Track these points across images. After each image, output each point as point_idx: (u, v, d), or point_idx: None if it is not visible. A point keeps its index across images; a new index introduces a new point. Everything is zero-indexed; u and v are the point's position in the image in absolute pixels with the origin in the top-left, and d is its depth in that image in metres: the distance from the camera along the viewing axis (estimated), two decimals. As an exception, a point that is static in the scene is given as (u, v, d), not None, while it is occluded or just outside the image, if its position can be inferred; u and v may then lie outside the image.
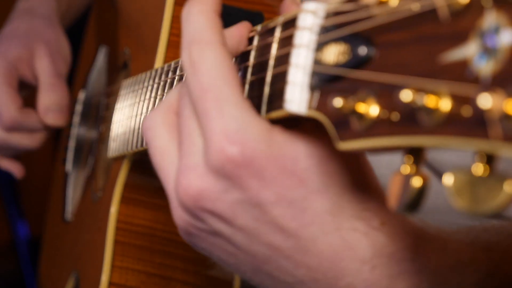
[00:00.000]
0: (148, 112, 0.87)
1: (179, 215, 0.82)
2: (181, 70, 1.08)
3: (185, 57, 0.78)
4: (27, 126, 1.61)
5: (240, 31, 0.85)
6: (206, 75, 0.76)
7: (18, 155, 1.71)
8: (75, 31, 1.92)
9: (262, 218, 0.77)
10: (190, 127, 0.79)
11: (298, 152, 0.77)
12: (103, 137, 1.57)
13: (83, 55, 1.91)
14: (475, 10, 0.61)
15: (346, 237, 0.77)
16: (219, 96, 0.75)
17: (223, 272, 1.37)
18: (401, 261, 0.79)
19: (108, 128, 1.47)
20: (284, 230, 0.77)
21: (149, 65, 1.31)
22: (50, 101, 1.59)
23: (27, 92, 1.69)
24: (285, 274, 0.80)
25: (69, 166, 1.79)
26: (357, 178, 0.80)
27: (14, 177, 1.70)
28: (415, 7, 0.65)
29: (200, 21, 0.79)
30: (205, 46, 0.77)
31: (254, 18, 1.28)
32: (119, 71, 1.57)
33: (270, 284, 0.82)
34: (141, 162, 1.35)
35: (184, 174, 0.77)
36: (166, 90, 1.13)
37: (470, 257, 0.81)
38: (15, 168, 1.72)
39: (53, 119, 1.59)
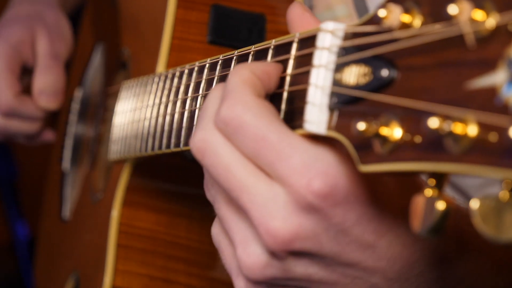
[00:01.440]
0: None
1: (261, 266, 0.80)
2: (189, 77, 1.07)
3: (218, 117, 0.77)
4: (23, 113, 1.60)
5: (274, 69, 0.82)
6: (251, 128, 0.75)
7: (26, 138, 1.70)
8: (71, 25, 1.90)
9: (345, 241, 0.77)
10: (246, 178, 0.78)
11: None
12: (102, 137, 1.56)
13: (78, 50, 1.89)
14: (502, 36, 0.60)
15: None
16: (277, 142, 0.75)
17: (226, 274, 1.37)
18: (462, 244, 0.82)
19: (107, 130, 1.46)
20: (363, 245, 0.78)
21: (151, 68, 1.30)
22: (45, 83, 1.58)
23: (29, 77, 1.68)
24: (359, 284, 0.81)
25: (66, 164, 1.78)
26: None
27: (15, 176, 1.69)
28: (440, 32, 0.64)
29: (231, 81, 0.79)
30: (234, 102, 0.77)
31: (256, 20, 1.27)
32: (117, 70, 1.55)
33: None
34: (143, 165, 1.34)
35: (268, 222, 0.76)
36: (171, 97, 1.12)
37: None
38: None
39: (46, 101, 1.58)
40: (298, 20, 0.82)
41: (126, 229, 1.34)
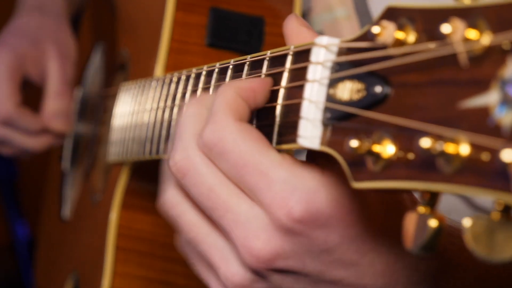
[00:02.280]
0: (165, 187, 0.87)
1: (242, 283, 0.81)
2: (194, 86, 1.07)
3: (201, 140, 0.78)
4: (21, 124, 1.60)
5: (260, 85, 0.83)
6: (232, 154, 0.77)
7: (23, 154, 1.69)
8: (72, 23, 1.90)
9: (328, 260, 0.79)
10: (230, 198, 0.79)
11: (347, 190, 0.78)
12: (101, 138, 1.56)
13: (78, 50, 1.89)
14: (495, 56, 0.60)
15: (397, 251, 0.81)
16: (259, 167, 0.76)
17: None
18: (445, 260, 0.83)
19: (106, 131, 1.46)
20: (346, 264, 0.80)
21: (150, 70, 1.30)
22: (58, 108, 1.59)
23: (27, 91, 1.68)
24: None
25: (66, 164, 1.78)
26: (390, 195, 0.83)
27: (14, 176, 1.69)
28: (433, 50, 0.64)
29: (216, 103, 0.79)
30: (217, 127, 0.78)
31: (255, 23, 1.27)
32: (116, 71, 1.55)
33: None
34: (141, 168, 1.34)
35: (249, 244, 0.77)
36: (169, 103, 1.12)
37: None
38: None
39: (59, 124, 1.60)
40: (294, 34, 0.82)
41: (124, 232, 1.35)
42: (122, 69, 1.51)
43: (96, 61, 1.72)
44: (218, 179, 0.79)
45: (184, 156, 0.81)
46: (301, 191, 0.75)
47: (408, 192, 0.73)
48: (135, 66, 1.44)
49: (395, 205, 0.81)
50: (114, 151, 1.37)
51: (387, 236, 0.80)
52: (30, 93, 1.68)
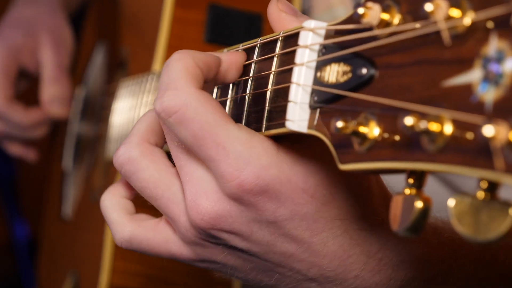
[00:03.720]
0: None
1: (189, 237, 0.84)
2: None
3: (160, 106, 0.78)
4: (11, 118, 1.60)
5: (214, 61, 0.83)
6: (192, 123, 0.77)
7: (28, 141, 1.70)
8: (74, 23, 1.90)
9: (277, 232, 0.81)
10: (187, 160, 0.81)
11: (307, 169, 0.79)
12: (102, 136, 1.56)
13: (81, 49, 1.90)
14: (478, 34, 0.60)
15: (354, 236, 0.82)
16: (216, 140, 0.77)
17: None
18: (402, 251, 0.84)
19: (106, 128, 1.46)
20: (297, 240, 0.81)
21: (149, 66, 1.31)
22: (55, 93, 1.59)
23: (27, 82, 1.68)
24: (297, 274, 0.84)
25: (67, 163, 1.78)
26: (358, 181, 0.83)
27: (14, 176, 1.69)
28: (417, 29, 0.64)
29: (175, 69, 0.79)
30: (179, 94, 0.77)
31: (253, 20, 1.27)
32: (117, 69, 1.56)
33: (283, 284, 0.86)
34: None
35: (197, 201, 0.80)
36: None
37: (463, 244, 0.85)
38: (27, 154, 1.71)
39: (58, 110, 1.60)
40: (276, 20, 0.82)
41: (123, 228, 1.35)
42: (122, 66, 1.52)
43: (99, 59, 1.73)
44: (174, 146, 0.81)
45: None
46: (253, 166, 0.77)
47: (393, 173, 0.73)
48: (135, 63, 1.45)
49: (358, 189, 0.81)
50: (113, 147, 1.38)
51: (345, 220, 0.81)
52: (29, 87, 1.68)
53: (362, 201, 0.83)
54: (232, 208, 0.79)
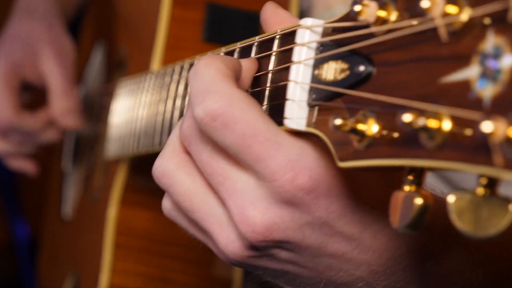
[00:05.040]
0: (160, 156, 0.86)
1: (238, 252, 0.80)
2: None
3: (203, 111, 0.75)
4: (23, 128, 1.60)
5: (251, 64, 0.82)
6: (240, 123, 0.74)
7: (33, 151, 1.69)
8: (72, 24, 1.90)
9: (329, 232, 0.78)
10: (226, 173, 0.78)
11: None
12: (101, 136, 1.56)
13: (79, 49, 1.90)
14: (475, 30, 0.60)
15: None
16: (267, 135, 0.74)
17: (223, 272, 1.37)
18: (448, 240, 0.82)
19: (105, 128, 1.46)
20: (348, 236, 0.79)
21: (147, 66, 1.31)
22: (67, 106, 1.58)
23: (30, 95, 1.68)
24: (344, 276, 0.81)
25: (67, 163, 1.78)
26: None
27: (14, 176, 1.68)
28: (414, 26, 0.64)
29: (209, 74, 0.76)
30: (222, 96, 0.75)
31: (251, 19, 1.27)
32: (116, 69, 1.56)
33: None
34: (139, 164, 1.34)
35: (245, 212, 0.76)
36: (162, 95, 1.12)
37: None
38: (28, 167, 1.71)
39: (72, 121, 1.58)
40: (271, 18, 0.81)
41: (123, 229, 1.35)
42: (121, 66, 1.52)
43: (97, 60, 1.73)
44: (215, 154, 0.78)
45: (191, 123, 0.79)
46: (305, 159, 0.74)
47: (392, 170, 0.73)
48: (133, 62, 1.45)
49: (393, 177, 0.78)
50: (112, 148, 1.38)
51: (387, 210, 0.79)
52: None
53: (396, 187, 0.81)
54: (283, 212, 0.76)
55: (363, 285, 0.81)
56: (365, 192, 0.78)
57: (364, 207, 0.78)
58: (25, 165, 1.70)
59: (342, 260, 0.80)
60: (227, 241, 0.79)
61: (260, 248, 0.78)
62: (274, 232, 0.76)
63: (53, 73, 1.59)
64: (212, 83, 0.75)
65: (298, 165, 0.74)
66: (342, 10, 1.33)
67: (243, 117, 0.74)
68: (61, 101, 1.58)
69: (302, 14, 1.34)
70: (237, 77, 0.79)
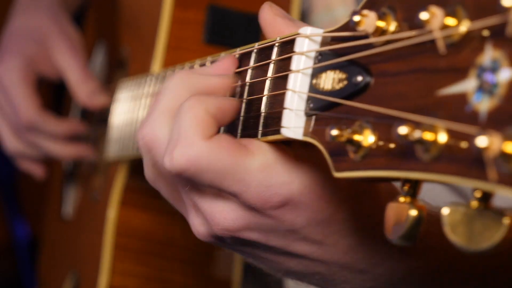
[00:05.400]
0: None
1: (206, 237, 0.87)
2: None
3: (171, 164, 0.80)
4: (46, 128, 1.56)
5: (231, 105, 0.83)
6: (209, 173, 0.79)
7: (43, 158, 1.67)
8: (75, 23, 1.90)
9: (292, 237, 0.83)
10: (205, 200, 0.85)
11: (324, 176, 0.80)
12: (101, 136, 1.56)
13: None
14: (474, 43, 0.60)
15: (361, 234, 0.84)
16: (235, 178, 0.79)
17: (222, 272, 1.37)
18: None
19: (106, 129, 1.46)
20: (310, 241, 0.84)
21: (148, 67, 1.30)
22: (89, 91, 1.56)
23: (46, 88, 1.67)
24: (302, 268, 0.88)
25: (67, 163, 1.78)
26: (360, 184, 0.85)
27: (14, 176, 1.67)
28: (413, 37, 0.64)
29: (185, 120, 0.80)
30: (189, 149, 0.79)
31: (252, 21, 1.27)
32: (117, 69, 1.55)
33: (299, 279, 0.91)
34: (139, 166, 1.34)
35: (217, 218, 0.83)
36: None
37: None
38: (36, 171, 1.68)
39: (99, 100, 1.55)
40: (270, 25, 0.81)
41: (122, 230, 1.35)
42: (122, 66, 1.52)
43: (99, 59, 1.73)
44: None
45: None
46: (275, 187, 0.80)
47: (387, 181, 0.73)
48: (134, 63, 1.45)
49: (365, 190, 0.83)
50: (112, 149, 1.38)
51: (353, 220, 0.83)
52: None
53: (367, 199, 0.84)
54: (252, 220, 0.82)
55: (319, 278, 0.88)
56: (332, 206, 0.82)
57: (328, 220, 0.83)
58: (34, 168, 1.67)
59: (304, 259, 0.86)
60: (198, 226, 0.87)
61: (226, 239, 0.85)
62: (241, 231, 0.83)
63: (69, 65, 1.58)
64: (182, 133, 0.79)
65: (267, 193, 0.79)
66: (342, 11, 1.34)
67: (210, 168, 0.79)
68: (84, 88, 1.56)
69: (302, 15, 1.33)
70: (224, 119, 0.82)
